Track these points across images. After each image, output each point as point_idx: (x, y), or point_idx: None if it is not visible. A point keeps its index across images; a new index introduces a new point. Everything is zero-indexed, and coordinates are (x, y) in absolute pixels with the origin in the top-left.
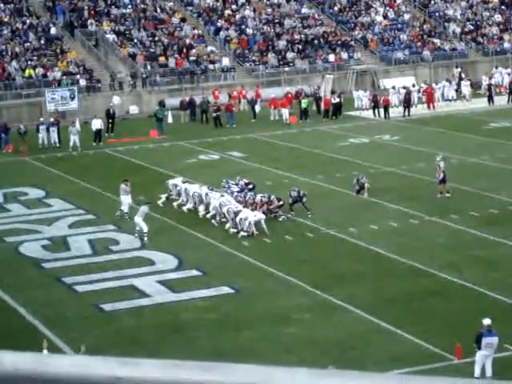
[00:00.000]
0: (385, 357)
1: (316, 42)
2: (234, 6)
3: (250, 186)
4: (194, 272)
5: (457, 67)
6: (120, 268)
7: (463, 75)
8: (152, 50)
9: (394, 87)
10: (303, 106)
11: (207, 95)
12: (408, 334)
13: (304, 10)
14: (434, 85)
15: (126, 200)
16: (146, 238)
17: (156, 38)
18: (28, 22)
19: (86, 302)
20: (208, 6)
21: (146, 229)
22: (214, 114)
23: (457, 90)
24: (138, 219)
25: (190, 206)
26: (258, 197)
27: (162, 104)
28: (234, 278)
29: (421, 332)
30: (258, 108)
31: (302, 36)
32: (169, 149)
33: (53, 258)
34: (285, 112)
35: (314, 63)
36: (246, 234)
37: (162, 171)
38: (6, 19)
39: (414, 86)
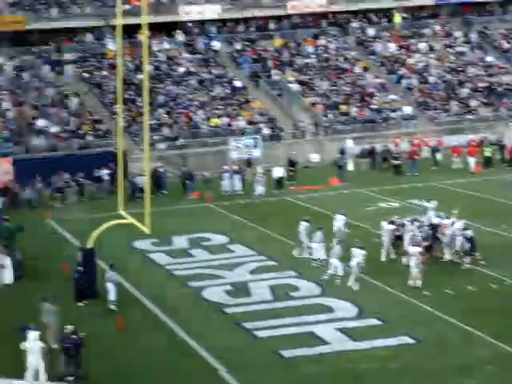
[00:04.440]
0: None
1: (500, 90)
2: (417, 55)
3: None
4: (374, 321)
5: None
6: (300, 314)
7: None
8: (334, 99)
9: None
10: (487, 154)
11: (388, 143)
12: None
13: (488, 59)
14: None
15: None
16: (338, 281)
17: (338, 87)
18: (214, 72)
19: (266, 348)
20: (391, 54)
21: (341, 272)
22: (395, 162)
23: None
24: (335, 261)
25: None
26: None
27: (342, 152)
28: (415, 328)
29: None
30: (439, 156)
31: (486, 84)
32: (349, 196)
33: (234, 303)
34: (471, 160)
35: (497, 111)
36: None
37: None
38: (193, 69)
39: None
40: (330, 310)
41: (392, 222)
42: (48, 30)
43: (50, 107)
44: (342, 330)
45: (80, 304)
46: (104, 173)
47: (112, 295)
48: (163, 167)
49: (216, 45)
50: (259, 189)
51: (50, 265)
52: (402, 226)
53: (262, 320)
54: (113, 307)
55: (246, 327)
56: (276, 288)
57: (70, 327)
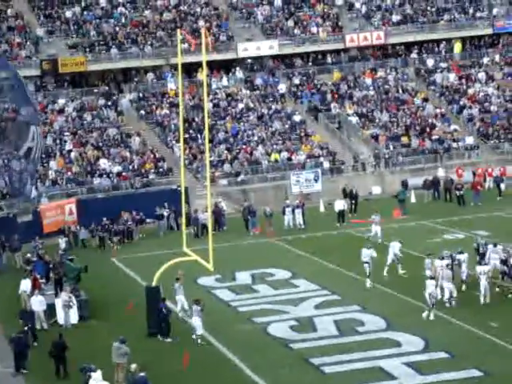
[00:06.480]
0: None
1: None
2: (477, 85)
3: None
4: (442, 354)
5: None
6: (366, 349)
7: None
8: (394, 131)
9: None
10: None
11: (450, 174)
12: None
13: None
14: None
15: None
16: (453, 303)
17: (398, 119)
18: (273, 107)
19: (333, 383)
20: (451, 84)
21: (455, 293)
22: (458, 193)
23: None
24: (449, 285)
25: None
26: None
27: (404, 184)
28: (483, 360)
29: None
30: (503, 185)
31: None
32: (412, 228)
33: (300, 339)
34: None
35: None
36: None
37: (404, 251)
38: (252, 105)
39: None
40: (396, 343)
41: (443, 258)
42: (108, 70)
43: (112, 147)
44: (410, 364)
45: (168, 340)
46: (165, 211)
47: (199, 330)
48: (221, 202)
49: (274, 80)
50: (376, 228)
51: (115, 304)
52: (452, 258)
53: (328, 355)
54: (199, 341)
55: (313, 363)
56: (341, 322)
57: (134, 366)
